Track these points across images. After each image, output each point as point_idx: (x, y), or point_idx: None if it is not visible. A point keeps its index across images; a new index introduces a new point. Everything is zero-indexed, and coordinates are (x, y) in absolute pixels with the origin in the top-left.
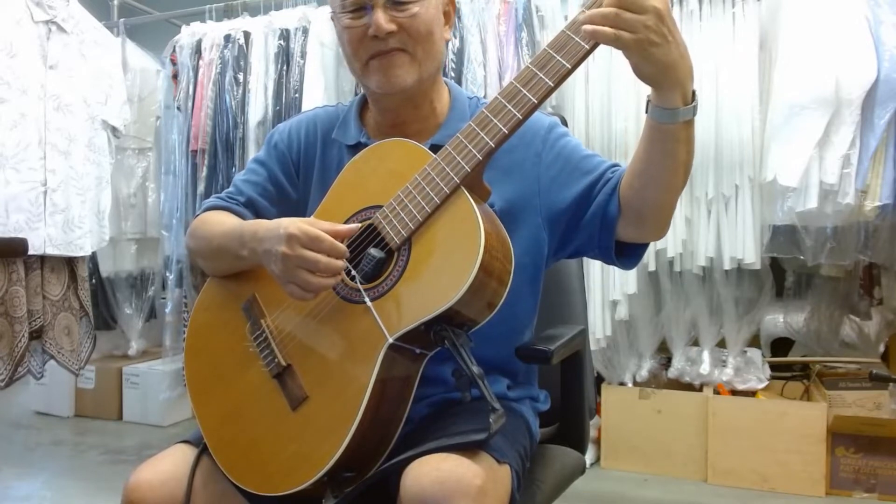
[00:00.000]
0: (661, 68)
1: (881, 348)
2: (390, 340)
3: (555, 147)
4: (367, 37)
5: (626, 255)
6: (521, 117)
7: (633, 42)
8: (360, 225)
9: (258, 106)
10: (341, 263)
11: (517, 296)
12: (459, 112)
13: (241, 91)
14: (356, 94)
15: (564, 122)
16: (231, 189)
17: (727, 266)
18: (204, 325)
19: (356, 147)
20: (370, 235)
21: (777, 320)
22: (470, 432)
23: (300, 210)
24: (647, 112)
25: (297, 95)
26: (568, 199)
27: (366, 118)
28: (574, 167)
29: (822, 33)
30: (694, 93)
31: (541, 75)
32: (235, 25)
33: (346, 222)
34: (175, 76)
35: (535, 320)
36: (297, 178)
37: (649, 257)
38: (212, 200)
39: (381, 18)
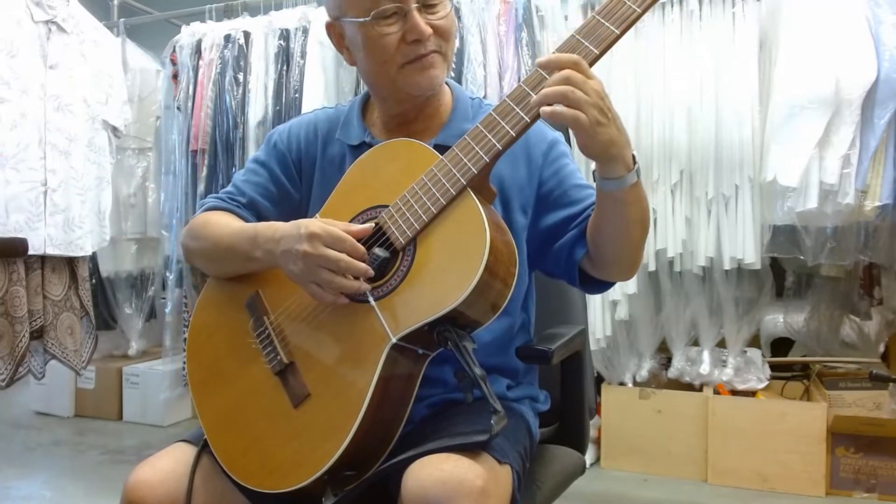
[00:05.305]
0: (605, 146)
1: (881, 348)
2: (393, 340)
3: (553, 165)
4: (403, 42)
5: (594, 284)
6: (528, 120)
7: (586, 122)
8: (370, 225)
9: (258, 106)
10: (363, 266)
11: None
12: (462, 112)
13: (241, 91)
14: (356, 94)
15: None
16: (231, 189)
17: (727, 266)
18: (206, 322)
19: (360, 147)
20: (375, 235)
21: (777, 320)
22: (471, 433)
23: (302, 211)
24: (594, 180)
25: (297, 95)
26: (546, 224)
27: (368, 118)
28: (562, 193)
29: (822, 33)
30: (634, 157)
31: (549, 79)
32: (235, 25)
33: (351, 221)
34: (175, 76)
35: (530, 311)
36: (298, 178)
37: (649, 257)
38: (211, 201)
39: (421, 22)
